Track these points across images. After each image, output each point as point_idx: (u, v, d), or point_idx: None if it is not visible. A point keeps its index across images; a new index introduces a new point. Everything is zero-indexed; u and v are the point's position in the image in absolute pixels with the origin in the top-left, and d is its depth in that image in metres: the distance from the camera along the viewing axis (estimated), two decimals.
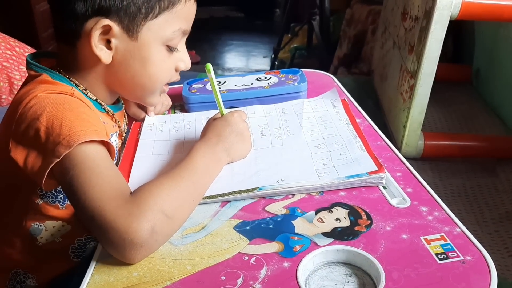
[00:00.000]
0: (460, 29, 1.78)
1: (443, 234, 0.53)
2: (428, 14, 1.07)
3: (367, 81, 1.72)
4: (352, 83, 1.68)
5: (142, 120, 0.81)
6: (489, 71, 1.55)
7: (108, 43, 0.63)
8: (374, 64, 1.72)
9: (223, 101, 0.83)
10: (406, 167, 0.66)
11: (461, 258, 0.50)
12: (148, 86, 0.68)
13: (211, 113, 0.76)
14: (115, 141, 0.71)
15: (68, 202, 0.67)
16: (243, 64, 3.48)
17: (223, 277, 0.49)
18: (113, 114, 0.71)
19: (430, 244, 0.52)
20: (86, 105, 0.63)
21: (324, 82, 0.97)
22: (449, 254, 0.50)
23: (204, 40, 3.63)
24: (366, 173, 0.61)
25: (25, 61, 0.69)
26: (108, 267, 0.51)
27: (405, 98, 1.20)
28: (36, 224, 0.67)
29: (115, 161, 0.69)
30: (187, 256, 0.52)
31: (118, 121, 0.72)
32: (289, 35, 2.81)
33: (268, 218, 0.57)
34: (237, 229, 0.56)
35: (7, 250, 0.69)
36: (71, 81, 0.65)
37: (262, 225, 0.56)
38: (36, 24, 2.43)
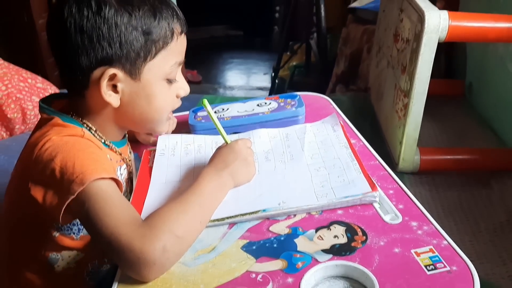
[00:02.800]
0: (452, 45, 1.84)
1: (431, 246, 0.58)
2: (417, 37, 1.13)
3: (365, 98, 1.77)
4: (350, 101, 1.74)
5: (153, 144, 0.87)
6: (481, 85, 1.61)
7: (114, 88, 0.70)
8: (371, 82, 1.78)
9: (227, 127, 0.90)
10: (398, 184, 0.72)
11: (448, 268, 0.55)
12: (156, 118, 0.76)
13: (219, 137, 0.82)
14: (121, 175, 0.77)
15: (82, 234, 0.73)
16: (244, 82, 3.54)
17: None
18: (116, 150, 0.77)
19: (420, 256, 0.57)
20: (96, 145, 0.70)
21: (321, 105, 1.03)
22: (437, 265, 0.55)
23: (205, 60, 3.71)
24: (361, 193, 0.67)
25: (36, 91, 0.76)
26: None
27: (400, 116, 1.26)
28: (53, 254, 0.73)
29: (123, 192, 0.75)
30: (200, 275, 0.57)
31: (121, 154, 0.78)
32: (288, 54, 2.88)
33: (272, 238, 0.63)
34: (244, 249, 0.61)
35: (28, 276, 0.75)
36: (82, 123, 0.72)
37: (267, 245, 0.62)
38: (41, 50, 2.50)
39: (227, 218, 0.66)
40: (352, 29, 2.16)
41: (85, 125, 0.72)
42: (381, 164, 0.77)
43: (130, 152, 0.84)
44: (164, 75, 0.72)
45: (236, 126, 0.90)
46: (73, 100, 0.73)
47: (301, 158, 0.78)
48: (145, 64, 0.69)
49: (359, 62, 2.08)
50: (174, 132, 0.89)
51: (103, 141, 0.74)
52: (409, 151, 1.25)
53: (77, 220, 0.71)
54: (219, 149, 0.75)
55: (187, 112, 0.98)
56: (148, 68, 0.70)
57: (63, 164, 0.63)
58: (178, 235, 0.59)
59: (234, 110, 0.95)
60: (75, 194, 0.61)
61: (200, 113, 0.94)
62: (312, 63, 2.71)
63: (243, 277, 0.57)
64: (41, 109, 0.73)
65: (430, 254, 0.57)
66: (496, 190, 1.19)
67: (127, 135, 0.84)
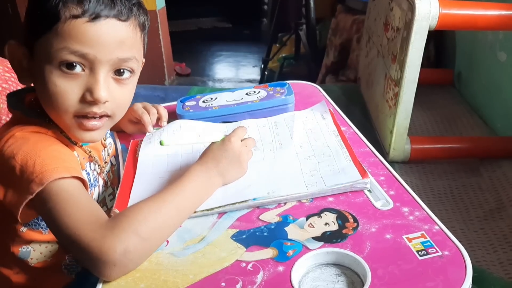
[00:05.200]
0: (441, 35, 1.84)
1: (423, 232, 0.58)
2: (408, 25, 1.13)
3: (354, 88, 1.77)
4: (340, 90, 1.73)
5: (139, 133, 0.86)
6: (469, 74, 1.61)
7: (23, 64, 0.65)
8: (360, 72, 1.78)
9: (216, 116, 0.88)
10: (389, 171, 0.71)
11: (440, 253, 0.54)
12: (56, 111, 0.64)
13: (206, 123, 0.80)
14: (94, 170, 0.74)
15: None
16: (233, 74, 3.52)
17: (223, 284, 0.53)
18: (83, 148, 0.72)
19: (412, 242, 0.56)
20: (59, 142, 0.67)
21: (310, 92, 1.02)
22: (429, 250, 0.55)
23: (193, 52, 3.68)
24: (352, 181, 0.66)
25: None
26: (115, 281, 0.55)
27: (390, 105, 1.25)
28: (23, 248, 0.71)
29: (96, 186, 0.74)
30: (189, 266, 0.56)
31: (90, 151, 0.73)
32: (277, 45, 2.86)
33: (262, 226, 0.62)
34: (234, 238, 0.60)
35: (5, 272, 0.73)
36: (47, 119, 0.67)
37: (257, 233, 0.61)
38: None
39: (216, 208, 0.64)
40: (341, 19, 2.15)
41: (50, 121, 0.67)
42: (371, 151, 0.77)
43: (113, 143, 0.81)
44: (53, 57, 0.61)
45: (225, 116, 0.89)
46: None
47: (290, 147, 0.77)
48: (36, 41, 0.62)
49: (349, 52, 2.07)
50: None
51: (69, 137, 0.69)
52: (399, 140, 1.24)
53: None
54: (211, 145, 0.71)
55: (175, 102, 0.96)
56: (39, 46, 0.62)
57: (23, 162, 0.60)
58: (143, 236, 0.56)
59: (222, 99, 0.93)
60: (34, 194, 0.59)
61: (188, 103, 0.93)
62: (302, 54, 2.69)
63: (233, 266, 0.56)
64: (9, 103, 0.70)
65: (422, 239, 0.57)
66: (485, 178, 1.19)
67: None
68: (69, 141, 0.69)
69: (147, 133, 0.84)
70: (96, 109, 0.64)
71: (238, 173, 0.70)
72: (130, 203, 0.66)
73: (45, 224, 0.70)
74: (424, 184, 1.22)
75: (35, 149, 0.62)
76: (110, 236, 0.54)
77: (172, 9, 2.75)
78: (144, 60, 0.73)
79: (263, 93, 0.94)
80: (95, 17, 0.60)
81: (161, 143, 0.67)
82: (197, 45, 3.84)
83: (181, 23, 4.07)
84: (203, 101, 0.93)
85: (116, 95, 0.65)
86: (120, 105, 0.67)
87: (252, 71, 3.47)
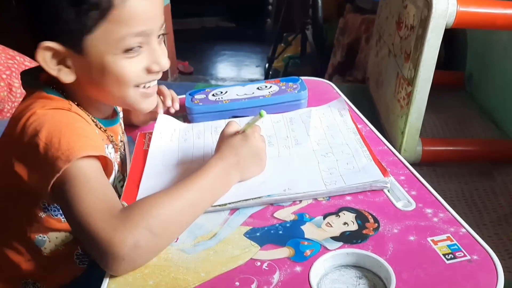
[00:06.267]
0: (452, 36, 1.81)
1: (449, 235, 0.54)
2: (423, 23, 1.10)
3: (362, 88, 1.74)
4: (347, 90, 1.70)
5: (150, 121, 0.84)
6: (481, 76, 1.58)
7: (64, 62, 0.62)
8: (369, 72, 1.74)
9: (226, 110, 0.85)
10: (410, 170, 0.68)
11: (468, 257, 0.51)
12: (116, 92, 0.65)
13: (219, 122, 0.76)
14: (110, 153, 0.71)
15: None
16: (236, 74, 3.49)
17: (237, 283, 0.50)
18: (105, 129, 0.70)
19: (437, 244, 0.53)
20: (83, 119, 0.65)
21: (323, 89, 0.99)
22: (456, 254, 0.52)
23: (196, 51, 3.65)
24: (373, 180, 0.62)
25: (24, 69, 0.69)
26: (123, 277, 0.51)
27: (402, 105, 1.22)
28: (40, 236, 0.69)
29: (113, 173, 0.70)
30: (201, 263, 0.53)
31: (112, 136, 0.72)
32: (283, 45, 2.83)
33: (277, 224, 0.58)
34: (247, 235, 0.57)
35: (15, 259, 0.70)
36: (66, 96, 0.66)
37: (272, 231, 0.57)
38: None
39: (229, 203, 0.61)
40: (350, 19, 2.12)
41: (69, 98, 0.66)
42: (390, 150, 0.74)
43: (122, 133, 0.79)
44: (114, 48, 0.61)
45: (235, 110, 0.86)
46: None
47: (307, 143, 0.73)
48: (85, 38, 0.60)
49: (357, 52, 2.04)
50: (170, 115, 0.84)
51: (89, 116, 0.68)
52: (411, 141, 1.21)
53: None
54: (230, 135, 0.67)
55: (183, 96, 0.93)
56: (91, 41, 0.60)
57: (48, 139, 0.57)
58: (155, 232, 0.53)
59: (233, 93, 0.90)
60: (61, 172, 0.55)
61: (197, 96, 0.90)
62: (307, 54, 2.66)
63: (247, 265, 0.52)
64: (24, 81, 0.67)
65: (448, 242, 0.53)
66: (499, 182, 1.16)
67: (120, 115, 0.78)
68: (91, 120, 0.67)
69: (156, 128, 0.80)
70: (159, 76, 0.67)
71: (257, 171, 0.67)
72: (139, 195, 0.63)
73: None
74: (435, 187, 1.16)
75: (60, 126, 0.59)
76: (121, 228, 0.52)
77: (176, 8, 2.72)
78: None
79: (274, 88, 0.91)
80: None
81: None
82: (200, 44, 3.81)
83: (185, 22, 4.04)
84: (213, 95, 0.90)
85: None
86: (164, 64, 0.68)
87: (255, 71, 3.44)
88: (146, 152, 0.73)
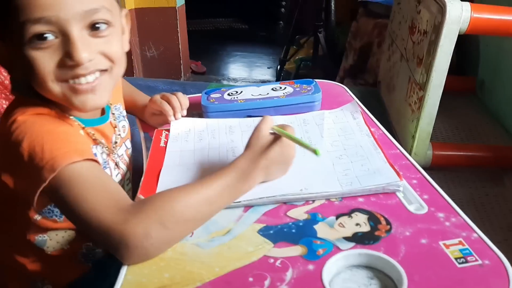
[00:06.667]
0: (464, 41, 1.81)
1: (461, 239, 0.55)
2: (437, 28, 1.10)
3: (373, 92, 1.74)
4: (359, 94, 1.70)
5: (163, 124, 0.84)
6: (494, 82, 1.58)
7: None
8: (381, 76, 1.75)
9: (241, 110, 0.86)
10: (422, 174, 0.69)
11: (480, 262, 0.52)
12: (40, 88, 0.61)
13: (233, 121, 0.77)
14: (102, 153, 0.70)
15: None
16: (248, 75, 3.51)
17: (250, 279, 0.51)
18: (83, 127, 0.67)
19: (449, 248, 0.54)
20: (64, 122, 0.63)
21: (336, 92, 1.00)
22: (468, 258, 0.52)
23: (209, 51, 3.67)
24: (388, 182, 0.63)
25: None
26: (139, 268, 0.53)
27: (413, 109, 1.22)
28: (40, 237, 0.69)
29: (107, 169, 0.70)
30: (215, 258, 0.54)
31: (93, 134, 0.69)
32: (295, 47, 2.84)
33: (290, 223, 0.59)
34: (261, 233, 0.58)
35: (21, 261, 0.71)
36: (46, 99, 0.63)
37: (285, 230, 0.58)
38: None
39: (244, 201, 0.62)
40: (362, 23, 2.12)
41: (50, 101, 0.63)
42: (402, 153, 0.74)
43: (127, 127, 0.79)
44: (21, 37, 0.57)
45: (250, 110, 0.87)
46: None
47: (321, 145, 0.74)
48: (4, 30, 0.58)
49: (369, 56, 2.04)
50: (186, 113, 0.86)
51: (71, 118, 0.65)
52: (421, 145, 1.21)
53: None
54: (265, 137, 0.65)
55: (198, 95, 0.94)
56: (9, 33, 0.58)
57: (31, 148, 0.56)
58: (167, 226, 0.53)
59: (248, 93, 0.91)
60: (47, 181, 0.55)
61: (213, 95, 0.91)
62: (319, 57, 2.67)
63: (260, 261, 0.53)
64: (12, 86, 0.66)
65: (460, 246, 0.54)
66: (509, 188, 1.16)
67: (115, 111, 0.77)
68: (73, 122, 0.65)
69: (172, 129, 0.82)
70: (82, 71, 0.59)
71: (280, 175, 0.66)
72: (158, 191, 0.64)
73: (59, 212, 0.67)
74: (445, 191, 1.18)
75: (41, 133, 0.58)
76: (132, 220, 0.52)
77: (190, 9, 2.74)
78: (127, 11, 0.69)
79: (289, 89, 0.92)
80: None
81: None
82: (213, 45, 3.84)
83: (199, 22, 4.08)
84: (228, 94, 0.91)
85: (102, 49, 0.60)
86: (112, 57, 0.62)
87: (266, 72, 3.46)
88: (163, 149, 0.75)
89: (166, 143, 0.78)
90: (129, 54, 2.34)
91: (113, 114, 0.76)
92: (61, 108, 0.64)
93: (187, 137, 0.80)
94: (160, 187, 0.65)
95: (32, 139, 0.57)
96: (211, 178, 0.60)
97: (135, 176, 0.79)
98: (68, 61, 0.58)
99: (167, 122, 0.84)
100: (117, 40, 0.63)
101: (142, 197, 0.62)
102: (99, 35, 0.60)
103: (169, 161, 0.72)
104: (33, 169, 0.56)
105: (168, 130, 0.81)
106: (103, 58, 0.61)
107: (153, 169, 0.70)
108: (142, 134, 0.83)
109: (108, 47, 0.61)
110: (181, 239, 0.56)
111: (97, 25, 0.59)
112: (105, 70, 0.62)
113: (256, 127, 0.66)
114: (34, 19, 0.55)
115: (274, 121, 0.67)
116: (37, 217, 0.67)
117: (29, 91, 0.62)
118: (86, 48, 0.58)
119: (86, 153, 0.59)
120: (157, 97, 0.85)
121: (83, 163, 0.57)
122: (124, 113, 0.81)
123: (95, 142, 0.69)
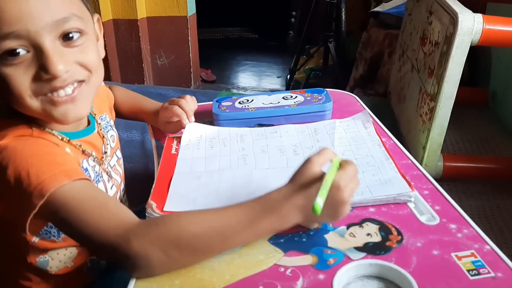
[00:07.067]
0: (476, 52, 1.80)
1: (473, 251, 0.55)
2: (448, 39, 1.10)
3: (384, 102, 1.74)
4: (369, 104, 1.70)
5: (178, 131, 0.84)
6: (506, 94, 1.57)
7: None
8: (391, 86, 1.74)
9: (252, 118, 0.86)
10: (433, 185, 0.68)
11: (492, 274, 0.51)
12: (17, 106, 0.59)
13: (245, 130, 0.79)
14: (91, 166, 0.68)
15: (63, 235, 0.66)
16: (257, 84, 3.52)
17: (261, 287, 0.51)
18: (69, 141, 0.65)
19: (461, 260, 0.53)
20: (49, 141, 0.61)
21: (347, 102, 1.00)
22: (480, 270, 0.52)
23: (219, 60, 3.70)
24: (399, 193, 0.63)
25: None
26: None
27: (424, 120, 1.22)
28: (41, 258, 0.67)
29: (101, 182, 0.68)
30: (225, 266, 0.54)
31: (80, 145, 0.66)
32: (305, 57, 2.85)
33: (301, 232, 0.59)
34: (271, 241, 0.58)
35: (26, 284, 0.69)
36: (28, 118, 0.61)
37: (296, 239, 0.58)
38: None
39: None
40: (373, 33, 2.13)
41: (30, 119, 0.61)
42: (414, 164, 0.74)
43: (116, 136, 0.78)
44: None
45: (261, 118, 0.87)
46: None
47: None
48: None
49: (379, 66, 2.04)
50: (197, 120, 0.86)
51: (55, 135, 0.63)
52: (432, 156, 1.21)
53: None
54: (316, 174, 0.56)
55: (209, 102, 0.95)
56: None
57: (16, 174, 0.54)
58: (169, 256, 0.52)
59: (259, 101, 0.92)
60: (37, 208, 0.53)
61: (224, 103, 0.92)
62: (329, 66, 2.67)
63: (271, 270, 0.53)
64: None
65: (472, 258, 0.54)
66: None
67: (101, 121, 0.75)
68: (57, 138, 0.63)
69: (184, 137, 0.82)
70: (59, 83, 0.57)
71: (326, 221, 0.60)
72: (169, 199, 0.65)
73: (56, 232, 0.65)
74: (456, 203, 1.17)
75: (25, 158, 0.56)
76: (135, 242, 0.51)
77: (201, 18, 2.77)
78: (98, 16, 0.66)
79: (300, 98, 0.92)
80: None
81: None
82: (223, 54, 3.87)
83: (209, 31, 4.11)
84: (239, 102, 0.91)
85: (77, 59, 0.58)
86: (88, 66, 0.60)
87: (276, 82, 3.47)
88: (174, 156, 0.76)
89: (177, 150, 0.79)
90: (140, 62, 2.39)
91: (99, 124, 0.74)
92: (43, 124, 0.62)
93: (198, 145, 0.80)
94: (171, 194, 0.66)
95: (16, 164, 0.55)
96: (230, 209, 0.55)
97: (143, 184, 0.79)
98: (44, 75, 0.55)
99: (182, 128, 0.84)
100: (92, 48, 0.61)
101: (153, 203, 0.62)
102: (73, 45, 0.58)
103: (180, 168, 0.73)
104: (21, 196, 0.54)
105: (180, 138, 0.82)
106: (79, 68, 0.59)
107: (164, 176, 0.71)
108: (153, 142, 0.84)
109: (84, 56, 0.59)
110: (184, 267, 0.54)
111: (70, 35, 0.57)
112: (83, 81, 0.60)
113: (307, 158, 0.57)
114: (2, 35, 0.53)
115: (335, 154, 0.59)
116: (35, 239, 0.65)
117: (7, 111, 0.60)
118: (61, 60, 0.56)
119: (75, 173, 0.57)
120: (167, 104, 0.85)
121: (74, 184, 0.55)
122: (112, 122, 0.79)
123: (85, 154, 0.67)
